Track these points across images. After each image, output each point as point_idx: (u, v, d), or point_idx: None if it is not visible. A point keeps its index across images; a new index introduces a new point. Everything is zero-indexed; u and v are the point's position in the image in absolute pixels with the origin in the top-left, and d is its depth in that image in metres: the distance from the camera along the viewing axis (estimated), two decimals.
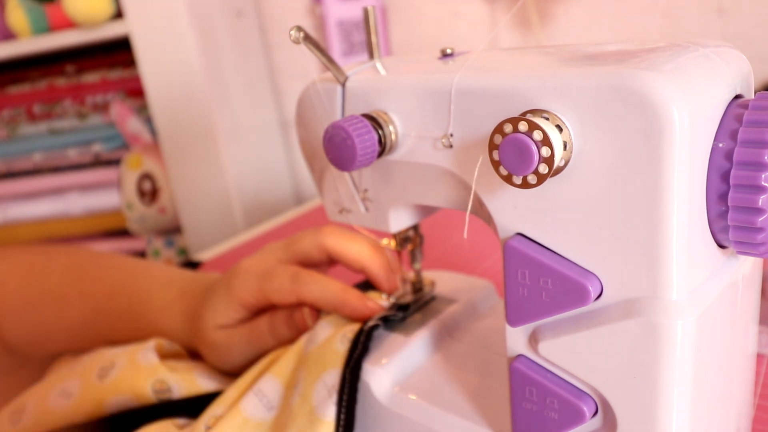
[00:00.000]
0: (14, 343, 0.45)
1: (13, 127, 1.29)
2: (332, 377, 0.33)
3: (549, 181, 0.23)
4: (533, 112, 0.23)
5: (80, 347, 0.44)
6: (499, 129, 0.22)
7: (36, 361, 0.46)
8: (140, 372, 0.37)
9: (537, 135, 0.22)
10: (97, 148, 1.21)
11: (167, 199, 1.14)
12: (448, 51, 0.31)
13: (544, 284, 0.24)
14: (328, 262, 0.41)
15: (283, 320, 0.39)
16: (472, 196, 0.27)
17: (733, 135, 0.22)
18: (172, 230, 1.19)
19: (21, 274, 0.45)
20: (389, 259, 0.40)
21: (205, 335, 0.39)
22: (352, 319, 0.36)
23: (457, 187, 0.28)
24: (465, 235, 0.27)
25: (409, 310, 0.38)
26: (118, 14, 1.07)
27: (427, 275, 0.42)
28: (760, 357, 0.38)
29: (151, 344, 0.39)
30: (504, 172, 0.23)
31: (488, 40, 0.97)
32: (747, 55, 0.25)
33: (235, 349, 0.39)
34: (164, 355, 0.39)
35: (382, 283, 0.39)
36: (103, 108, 1.23)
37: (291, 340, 0.38)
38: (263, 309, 0.40)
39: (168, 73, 1.04)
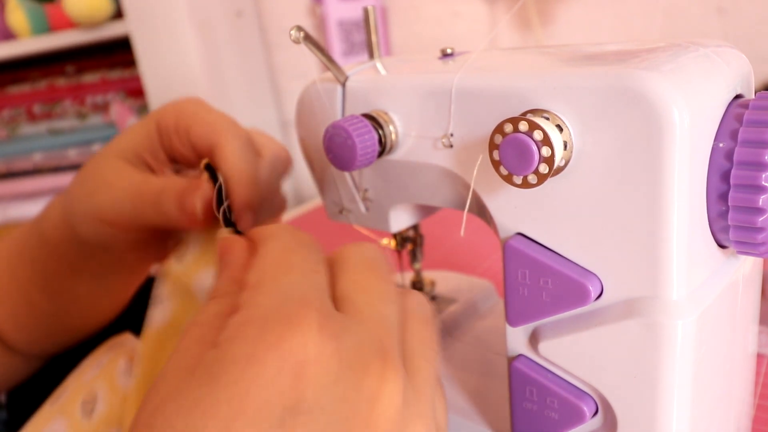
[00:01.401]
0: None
1: (13, 127, 1.29)
2: None
3: (549, 181, 0.23)
4: (533, 112, 0.23)
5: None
6: (499, 129, 0.22)
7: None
8: (127, 402, 0.36)
9: (537, 135, 0.22)
10: (97, 148, 1.21)
11: None
12: (448, 51, 0.31)
13: (544, 284, 0.24)
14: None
15: (174, 196, 0.33)
16: (470, 195, 0.27)
17: (734, 135, 0.22)
18: None
19: None
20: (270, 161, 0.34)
21: (100, 160, 0.35)
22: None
23: (457, 187, 0.28)
24: (462, 233, 0.27)
25: None
26: (118, 14, 1.08)
27: (427, 275, 0.42)
28: (760, 357, 0.38)
29: (122, 364, 0.37)
30: (504, 171, 0.23)
31: (488, 40, 0.97)
32: (747, 55, 0.25)
33: (119, 192, 0.34)
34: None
35: (236, 185, 0.32)
36: (103, 108, 1.23)
37: (175, 221, 0.33)
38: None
39: (168, 73, 1.04)
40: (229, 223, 0.30)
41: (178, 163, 0.37)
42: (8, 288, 0.40)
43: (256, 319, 0.20)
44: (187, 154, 0.35)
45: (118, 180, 0.34)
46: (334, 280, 0.24)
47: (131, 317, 0.45)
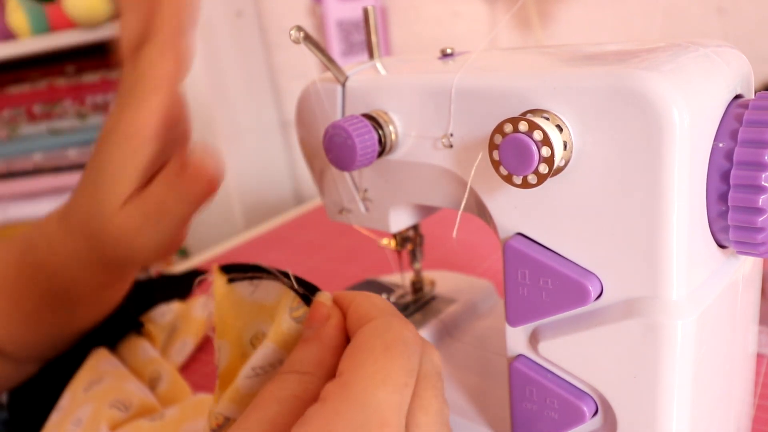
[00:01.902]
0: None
1: (13, 127, 1.29)
2: None
3: (549, 181, 0.23)
4: (533, 112, 0.23)
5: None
6: (499, 129, 0.22)
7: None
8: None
9: (537, 135, 0.22)
10: None
11: None
12: (448, 51, 0.31)
13: (544, 284, 0.24)
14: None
15: (175, 170, 0.34)
16: (466, 195, 0.27)
17: (733, 135, 0.22)
18: None
19: None
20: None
21: (106, 224, 0.35)
22: None
23: (457, 187, 0.28)
24: (454, 234, 0.27)
25: (409, 309, 0.38)
26: (119, 14, 1.08)
27: (427, 275, 0.42)
28: (760, 357, 0.38)
29: (104, 430, 0.36)
30: (504, 172, 0.23)
31: (488, 40, 0.97)
32: (747, 55, 0.25)
33: (142, 233, 0.35)
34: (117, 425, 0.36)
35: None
36: (103, 108, 1.23)
37: (194, 195, 0.34)
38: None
39: None
40: (309, 289, 0.27)
41: None
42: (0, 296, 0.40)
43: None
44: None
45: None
46: (415, 392, 0.23)
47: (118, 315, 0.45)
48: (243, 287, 0.28)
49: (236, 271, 0.28)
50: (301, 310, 0.26)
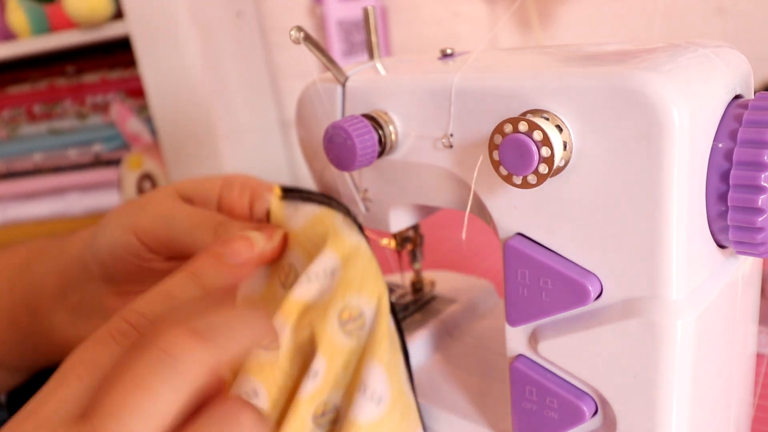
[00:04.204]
0: None
1: (13, 127, 1.29)
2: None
3: (549, 181, 0.23)
4: (533, 112, 0.23)
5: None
6: (499, 129, 0.22)
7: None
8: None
9: (537, 135, 0.22)
10: (98, 148, 1.21)
11: None
12: (448, 51, 0.31)
13: (544, 284, 0.24)
14: None
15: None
16: (471, 196, 0.27)
17: (733, 135, 0.22)
18: None
19: None
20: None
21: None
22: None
23: (457, 187, 0.28)
24: (463, 235, 0.27)
25: (409, 309, 0.38)
26: (118, 14, 1.07)
27: (427, 275, 0.42)
28: (760, 357, 0.38)
29: None
30: (504, 172, 0.23)
31: (488, 40, 0.97)
32: (747, 55, 0.26)
33: (164, 212, 0.33)
34: None
35: None
36: (103, 108, 1.23)
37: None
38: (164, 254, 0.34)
39: (168, 73, 1.04)
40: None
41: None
42: None
43: None
44: (239, 211, 0.34)
45: (174, 205, 0.34)
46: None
47: None
48: (288, 209, 0.30)
49: (293, 192, 0.29)
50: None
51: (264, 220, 0.31)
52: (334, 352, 0.27)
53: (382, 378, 0.27)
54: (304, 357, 0.28)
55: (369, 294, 0.28)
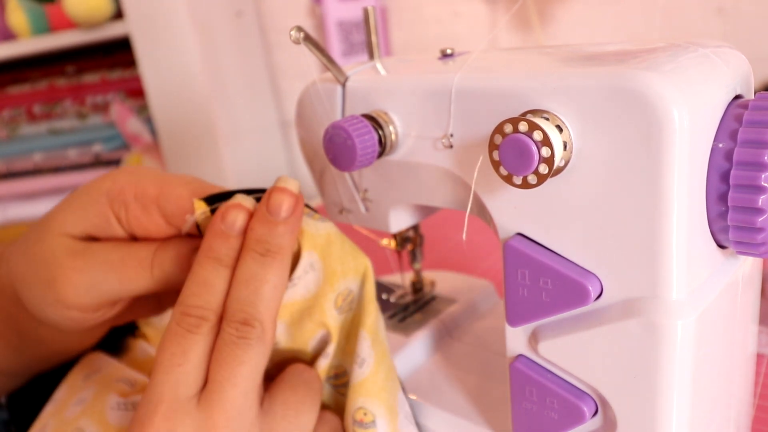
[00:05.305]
0: None
1: (13, 128, 1.29)
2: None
3: (549, 182, 0.23)
4: (533, 112, 0.23)
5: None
6: (499, 129, 0.22)
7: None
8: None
9: (537, 135, 0.22)
10: (98, 148, 1.21)
11: None
12: (448, 51, 0.31)
13: (544, 284, 0.24)
14: None
15: (178, 258, 0.30)
16: (471, 197, 0.27)
17: (733, 135, 0.22)
18: None
19: None
20: None
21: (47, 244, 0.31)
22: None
23: (457, 187, 0.28)
24: (464, 236, 0.27)
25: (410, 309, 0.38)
26: (118, 14, 1.08)
27: (427, 275, 0.42)
28: (760, 357, 0.38)
29: (113, 401, 0.33)
30: (504, 172, 0.23)
31: (488, 40, 0.97)
32: (747, 55, 0.25)
33: (87, 280, 0.30)
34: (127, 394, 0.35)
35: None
36: (103, 108, 1.23)
37: (176, 283, 0.30)
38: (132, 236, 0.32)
39: (168, 73, 1.04)
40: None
41: (135, 235, 0.32)
42: None
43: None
44: (153, 223, 0.31)
45: (87, 261, 0.31)
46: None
47: None
48: None
49: (217, 200, 0.30)
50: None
51: (194, 233, 0.31)
52: (337, 331, 0.31)
53: (367, 344, 0.31)
54: (305, 347, 0.31)
55: (353, 273, 0.31)
